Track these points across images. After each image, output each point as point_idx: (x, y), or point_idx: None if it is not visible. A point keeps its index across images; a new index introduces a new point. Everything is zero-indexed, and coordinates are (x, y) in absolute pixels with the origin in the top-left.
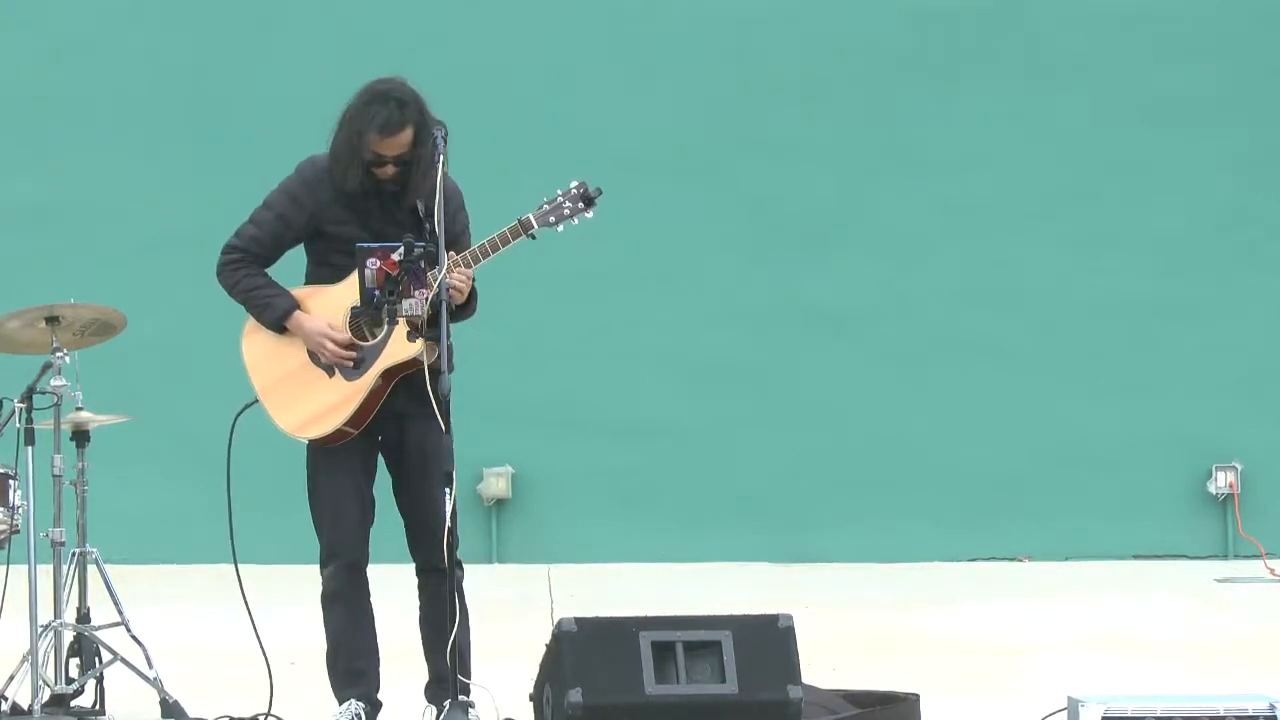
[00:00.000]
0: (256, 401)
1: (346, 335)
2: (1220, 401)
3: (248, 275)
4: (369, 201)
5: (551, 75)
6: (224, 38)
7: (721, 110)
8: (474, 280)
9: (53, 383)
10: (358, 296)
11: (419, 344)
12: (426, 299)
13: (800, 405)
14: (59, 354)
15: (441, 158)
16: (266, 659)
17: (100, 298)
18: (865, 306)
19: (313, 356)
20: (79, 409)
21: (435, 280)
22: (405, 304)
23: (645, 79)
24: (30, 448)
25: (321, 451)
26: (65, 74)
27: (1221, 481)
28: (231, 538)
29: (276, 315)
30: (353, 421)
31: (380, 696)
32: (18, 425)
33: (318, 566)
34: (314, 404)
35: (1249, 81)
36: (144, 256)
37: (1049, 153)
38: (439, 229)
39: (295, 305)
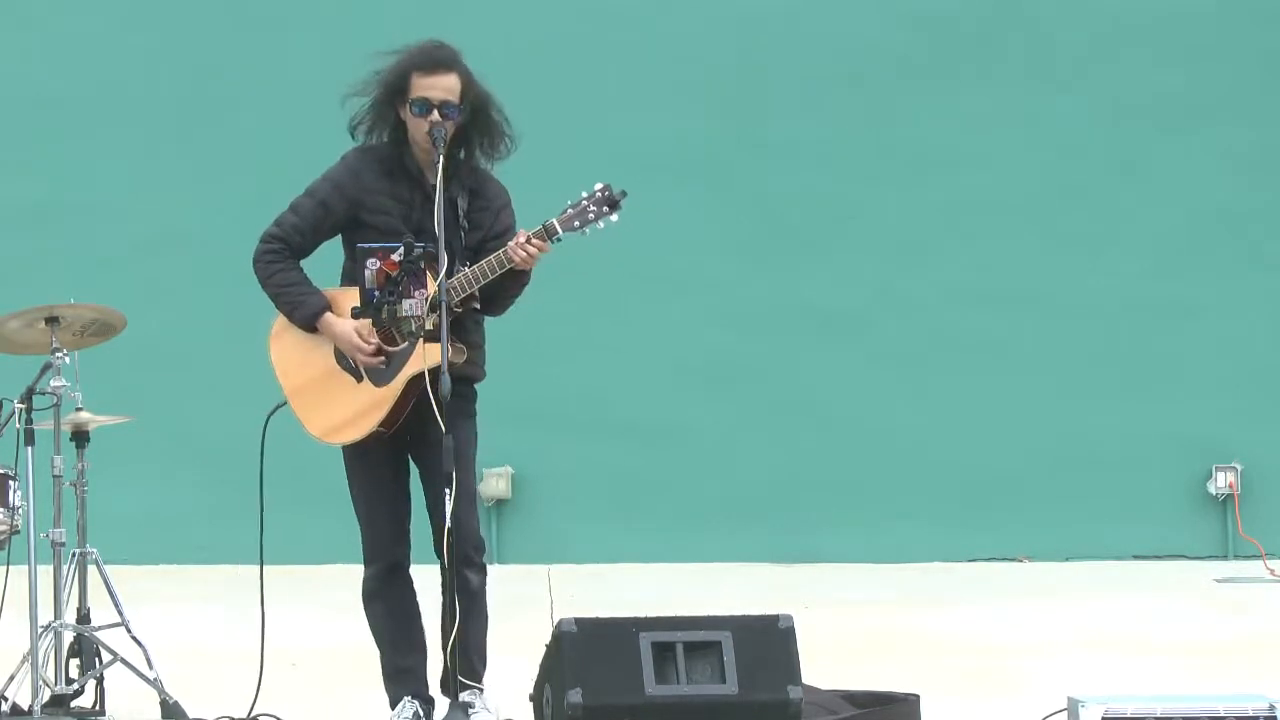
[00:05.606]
0: (286, 403)
1: (374, 344)
2: (1220, 401)
3: (283, 270)
4: (413, 191)
5: (552, 77)
6: (224, 38)
7: (722, 111)
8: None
9: (53, 383)
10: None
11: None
12: (427, 299)
13: (800, 405)
14: (59, 354)
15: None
16: (262, 660)
17: (100, 298)
18: (865, 306)
19: (340, 360)
20: (79, 409)
21: (442, 282)
22: (405, 304)
23: (646, 80)
24: (30, 448)
25: (355, 453)
26: (65, 74)
27: (1221, 482)
28: (261, 540)
29: (307, 315)
30: (383, 425)
31: (432, 694)
32: (18, 425)
33: (317, 567)
34: (342, 410)
35: (1249, 81)
36: (144, 256)
37: (1049, 153)
38: (439, 229)
39: (327, 306)
